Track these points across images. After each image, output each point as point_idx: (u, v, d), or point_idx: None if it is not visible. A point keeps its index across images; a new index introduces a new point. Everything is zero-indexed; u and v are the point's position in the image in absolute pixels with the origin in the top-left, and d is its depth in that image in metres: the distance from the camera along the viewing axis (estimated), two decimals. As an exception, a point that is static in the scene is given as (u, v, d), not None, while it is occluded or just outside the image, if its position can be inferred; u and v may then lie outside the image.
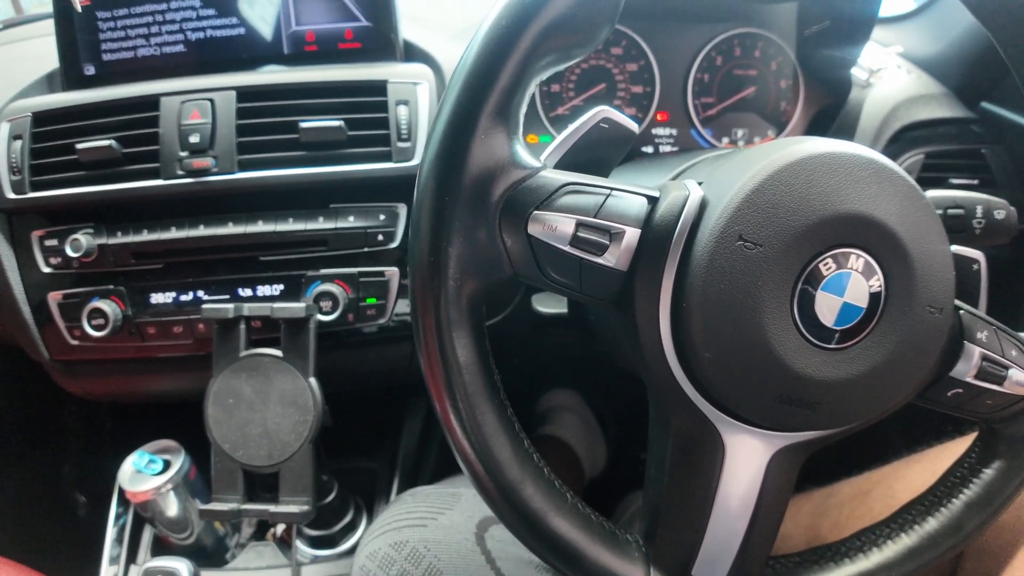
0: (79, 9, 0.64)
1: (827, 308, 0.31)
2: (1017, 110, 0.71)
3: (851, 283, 0.31)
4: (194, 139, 0.60)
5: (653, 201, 0.33)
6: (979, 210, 0.39)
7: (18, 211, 0.62)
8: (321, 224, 0.62)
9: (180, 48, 0.66)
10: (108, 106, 0.62)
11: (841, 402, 0.32)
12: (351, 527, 0.76)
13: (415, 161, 0.62)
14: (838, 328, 0.31)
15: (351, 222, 0.63)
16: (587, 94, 0.74)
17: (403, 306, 0.65)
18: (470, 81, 0.31)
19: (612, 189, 0.32)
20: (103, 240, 0.62)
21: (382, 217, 0.63)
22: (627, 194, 0.33)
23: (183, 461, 0.69)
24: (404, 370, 0.72)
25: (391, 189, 0.63)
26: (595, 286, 0.33)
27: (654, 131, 0.75)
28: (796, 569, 0.39)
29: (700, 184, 0.33)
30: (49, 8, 0.66)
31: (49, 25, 0.67)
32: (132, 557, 0.74)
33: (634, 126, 0.36)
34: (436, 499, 0.57)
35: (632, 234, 0.32)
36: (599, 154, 0.36)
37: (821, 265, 0.30)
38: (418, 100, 0.62)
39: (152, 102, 0.61)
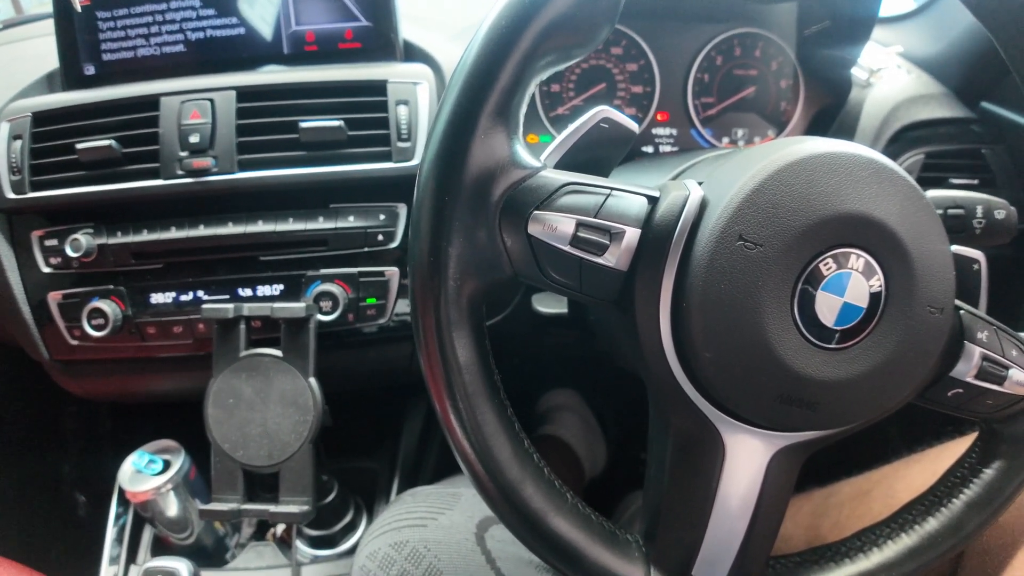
0: (79, 9, 0.64)
1: (827, 308, 0.31)
2: (1017, 110, 0.71)
3: (851, 283, 0.31)
4: (194, 139, 0.60)
5: (653, 201, 0.33)
6: (979, 210, 0.39)
7: (18, 211, 0.62)
8: (321, 224, 0.62)
9: (180, 48, 0.66)
10: (108, 106, 0.62)
11: (841, 402, 0.32)
12: (351, 527, 0.76)
13: (415, 161, 0.62)
14: (838, 328, 0.31)
15: (351, 222, 0.63)
16: (587, 94, 0.74)
17: (403, 306, 0.65)
18: (470, 81, 0.31)
19: (612, 189, 0.32)
20: (103, 240, 0.62)
21: (382, 217, 0.63)
22: (627, 194, 0.33)
23: (183, 461, 0.69)
24: (404, 370, 0.72)
25: (391, 189, 0.63)
26: (595, 286, 0.33)
27: (654, 131, 0.75)
28: (796, 569, 0.39)
29: (700, 184, 0.33)
30: (49, 8, 0.66)
31: (49, 25, 0.67)
32: (132, 557, 0.74)
33: (634, 126, 0.36)
34: (436, 499, 0.57)
35: (632, 234, 0.32)
36: (599, 154, 0.36)
37: (821, 265, 0.30)
38: (418, 100, 0.62)
39: (152, 102, 0.61)
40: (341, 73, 0.63)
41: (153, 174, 0.60)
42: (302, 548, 0.74)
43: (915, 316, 0.32)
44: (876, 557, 0.39)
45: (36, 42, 0.76)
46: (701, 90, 0.75)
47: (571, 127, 0.35)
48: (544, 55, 0.32)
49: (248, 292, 0.64)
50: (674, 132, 0.75)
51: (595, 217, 0.32)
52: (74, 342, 0.64)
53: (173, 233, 0.62)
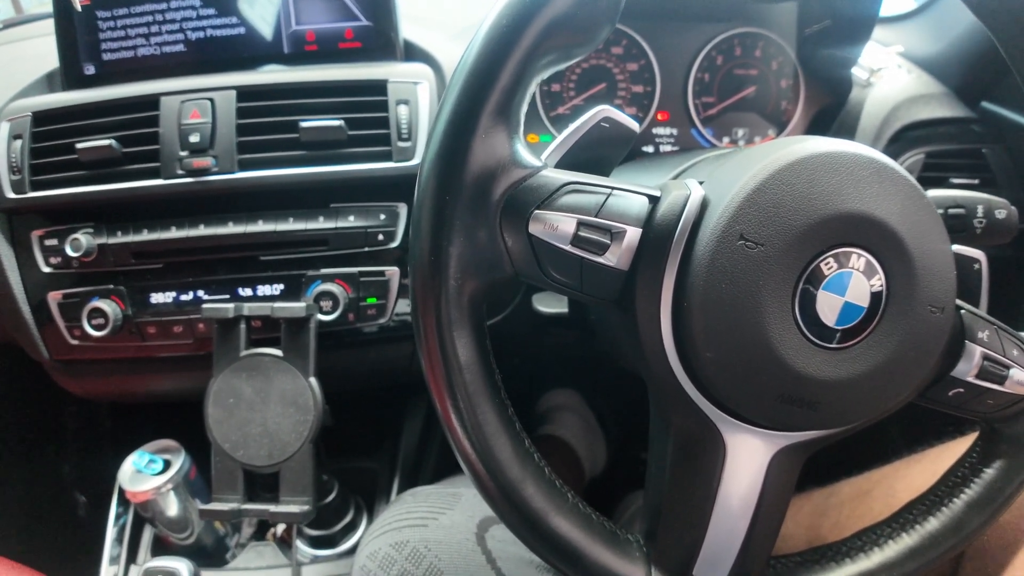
0: (79, 9, 0.64)
1: (828, 307, 0.31)
2: (1017, 110, 0.71)
3: (852, 282, 0.31)
4: (194, 139, 0.60)
5: (654, 200, 0.33)
6: (980, 210, 0.39)
7: (18, 211, 0.62)
8: (321, 224, 0.62)
9: (180, 48, 0.66)
10: (108, 106, 0.62)
11: (842, 402, 0.32)
12: (351, 527, 0.76)
13: (415, 160, 0.62)
14: (839, 328, 0.31)
15: (351, 222, 0.63)
16: (587, 93, 0.74)
17: (403, 306, 0.65)
18: (471, 80, 0.31)
19: (613, 188, 0.32)
20: (103, 240, 0.62)
21: (382, 217, 0.63)
22: (628, 193, 0.33)
23: (183, 461, 0.69)
24: (404, 370, 0.72)
25: (391, 189, 0.63)
26: (596, 285, 0.33)
27: (655, 131, 0.75)
28: (797, 569, 0.39)
29: (701, 183, 0.33)
30: (49, 8, 0.66)
31: (49, 25, 0.67)
32: (132, 557, 0.74)
33: (635, 125, 0.36)
34: (437, 499, 0.57)
35: (633, 233, 0.32)
36: (600, 153, 0.36)
37: (822, 264, 0.30)
38: (418, 99, 0.62)
39: (152, 102, 0.61)
40: (341, 73, 0.63)
41: (153, 174, 0.60)
42: (302, 548, 0.74)
43: (916, 316, 0.32)
44: (877, 557, 0.39)
45: (36, 42, 0.76)
46: (701, 90, 0.75)
47: (572, 126, 0.35)
48: (545, 54, 0.32)
49: (248, 292, 0.64)
50: (674, 132, 0.75)
51: (596, 216, 0.32)
52: (74, 342, 0.64)
53: (173, 233, 0.62)
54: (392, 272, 0.64)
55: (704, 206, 0.31)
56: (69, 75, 0.66)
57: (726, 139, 0.76)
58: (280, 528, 0.74)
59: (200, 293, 0.63)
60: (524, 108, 0.33)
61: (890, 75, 0.75)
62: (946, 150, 0.71)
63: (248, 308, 0.59)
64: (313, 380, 0.58)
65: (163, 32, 0.65)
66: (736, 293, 0.30)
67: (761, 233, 0.30)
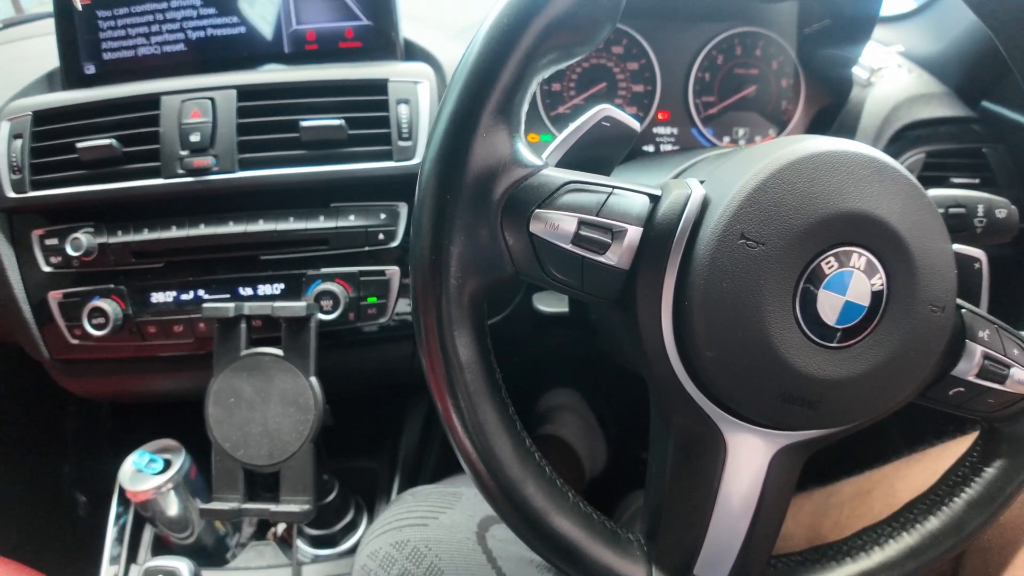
0: (79, 8, 0.64)
1: (829, 307, 0.31)
2: (1018, 109, 0.71)
3: (853, 282, 0.31)
4: (195, 138, 0.60)
5: (655, 199, 0.33)
6: (980, 209, 0.39)
7: (18, 210, 0.62)
8: (322, 223, 0.62)
9: (180, 47, 0.66)
10: (108, 105, 0.61)
11: (843, 401, 0.32)
12: (352, 526, 0.76)
13: (416, 160, 0.62)
14: (840, 327, 0.31)
15: (352, 221, 0.63)
16: (588, 93, 0.74)
17: (404, 305, 0.65)
18: (471, 79, 0.31)
19: (614, 187, 0.32)
20: (103, 239, 0.62)
21: (383, 216, 0.63)
22: (629, 192, 0.33)
23: (183, 460, 0.69)
24: (405, 369, 0.72)
25: (392, 188, 0.63)
26: (597, 285, 0.33)
27: (655, 130, 0.75)
28: (798, 568, 0.39)
29: (702, 183, 0.33)
30: (49, 7, 0.66)
31: (49, 24, 0.67)
32: (132, 557, 0.74)
33: (636, 124, 0.36)
34: (437, 498, 0.57)
35: (634, 232, 0.32)
36: (601, 152, 0.36)
37: (823, 264, 0.30)
38: (419, 99, 0.62)
39: (152, 101, 0.61)
40: (342, 72, 0.63)
41: (154, 173, 0.60)
42: (303, 547, 0.74)
43: (917, 315, 0.32)
44: (877, 556, 0.39)
45: (36, 41, 0.76)
46: (702, 89, 0.75)
47: (573, 125, 0.35)
48: (545, 54, 0.32)
49: (249, 291, 0.64)
50: (675, 131, 0.75)
51: (597, 216, 0.32)
52: (74, 341, 0.64)
53: (174, 232, 0.62)
54: (393, 271, 0.64)
55: (705, 205, 0.31)
56: (69, 74, 0.66)
57: (726, 138, 0.76)
58: (280, 528, 0.74)
59: (200, 292, 0.63)
60: (525, 107, 0.33)
61: (890, 74, 0.75)
62: (946, 149, 0.71)
63: (248, 307, 0.59)
64: (313, 379, 0.58)
65: (163, 31, 0.65)
66: (737, 292, 0.30)
67: (762, 232, 0.30)
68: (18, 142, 0.61)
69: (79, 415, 1.01)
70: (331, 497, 0.71)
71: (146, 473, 0.67)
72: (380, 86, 0.62)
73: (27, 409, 0.98)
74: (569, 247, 0.32)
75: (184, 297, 0.63)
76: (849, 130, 0.73)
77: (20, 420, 0.98)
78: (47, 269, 0.63)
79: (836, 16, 0.71)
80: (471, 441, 0.33)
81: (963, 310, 0.36)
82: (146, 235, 0.62)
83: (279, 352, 0.59)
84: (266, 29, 0.66)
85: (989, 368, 0.35)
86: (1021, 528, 0.48)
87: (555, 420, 1.11)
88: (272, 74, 0.64)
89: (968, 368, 0.35)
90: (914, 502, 0.41)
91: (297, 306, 0.58)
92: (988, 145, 0.72)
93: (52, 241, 0.62)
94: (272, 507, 0.58)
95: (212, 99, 0.61)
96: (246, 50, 0.66)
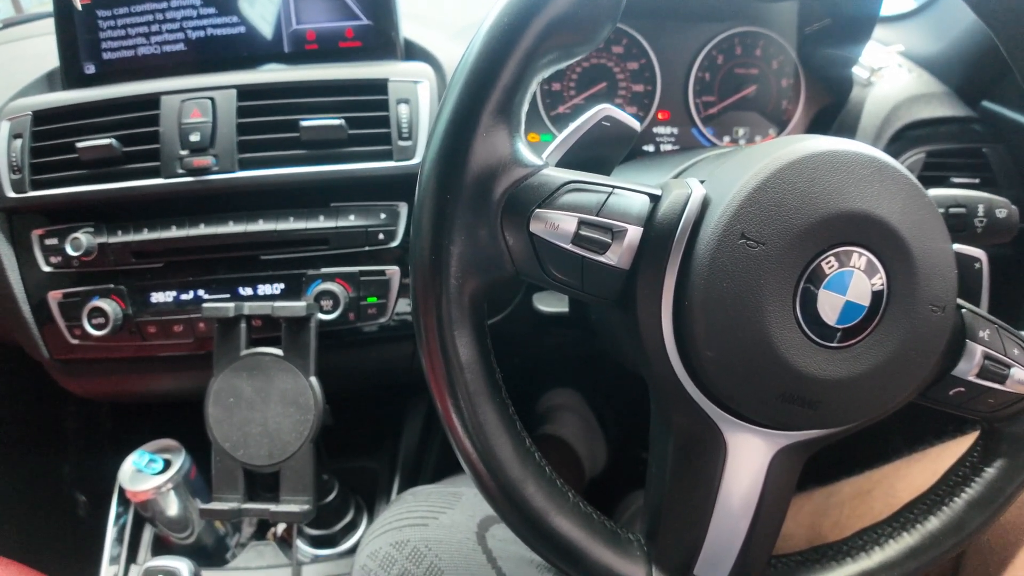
0: (79, 8, 0.64)
1: (829, 306, 0.31)
2: (1018, 109, 0.71)
3: (853, 281, 0.31)
4: (194, 138, 0.60)
5: (655, 199, 0.33)
6: (981, 209, 0.39)
7: (18, 210, 0.62)
8: (322, 223, 0.62)
9: (180, 47, 0.66)
10: (108, 105, 0.61)
11: (843, 401, 0.32)
12: (352, 526, 0.76)
13: (416, 160, 0.62)
14: (840, 327, 0.31)
15: (352, 221, 0.63)
16: (588, 93, 0.74)
17: (404, 305, 0.65)
18: (472, 79, 0.31)
19: (614, 187, 0.32)
20: (103, 239, 0.62)
21: (383, 216, 0.63)
22: (629, 192, 0.33)
23: (183, 460, 0.69)
24: (405, 369, 0.72)
25: (392, 188, 0.63)
26: (597, 284, 0.33)
27: (655, 130, 0.75)
28: (798, 568, 0.39)
29: (702, 182, 0.33)
30: (49, 7, 0.66)
31: (49, 24, 0.67)
32: (132, 557, 0.74)
33: (636, 124, 0.36)
34: (437, 498, 0.57)
35: (634, 232, 0.32)
36: (601, 152, 0.36)
37: (823, 263, 0.30)
38: (419, 99, 0.62)
39: (152, 101, 0.61)
40: (342, 72, 0.63)
41: (153, 173, 0.60)
42: (303, 547, 0.74)
43: (917, 315, 0.32)
44: (877, 556, 0.39)
45: (36, 41, 0.76)
46: (702, 89, 0.75)
47: (573, 125, 0.35)
48: (546, 53, 0.32)
49: (249, 291, 0.64)
50: (675, 131, 0.75)
51: (597, 215, 0.32)
52: (74, 341, 0.64)
53: (173, 232, 0.62)
54: (393, 271, 0.64)
55: (705, 205, 0.31)
56: (69, 74, 0.66)
57: (727, 138, 0.76)
58: (280, 528, 0.74)
59: (200, 292, 0.63)
60: (525, 107, 0.33)
61: (891, 74, 0.75)
62: (947, 149, 0.71)
63: (248, 307, 0.59)
64: (313, 379, 0.58)
65: (163, 31, 0.65)
66: (737, 292, 0.30)
67: (762, 232, 0.30)
68: (18, 142, 0.61)
69: (79, 415, 1.01)
70: (331, 497, 0.71)
71: (146, 473, 0.67)
72: (380, 86, 0.62)
73: (27, 409, 0.98)
74: (569, 247, 0.32)
75: (184, 297, 0.63)
76: (849, 130, 0.73)
77: (20, 420, 0.98)
78: (47, 269, 0.63)
79: (836, 16, 0.71)
80: (471, 441, 0.33)
81: (963, 310, 0.36)
82: (146, 235, 0.62)
83: (279, 352, 0.59)
84: (266, 29, 0.66)
85: (989, 368, 0.35)
86: (1021, 529, 0.48)
87: (555, 420, 1.11)
88: (272, 74, 0.64)
89: (968, 368, 0.35)
90: (914, 502, 0.41)
91: (297, 306, 0.58)
92: (988, 145, 0.72)
93: (52, 241, 0.62)
94: (272, 507, 0.58)
95: (212, 99, 0.61)
96: (246, 50, 0.66)
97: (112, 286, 0.63)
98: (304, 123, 0.60)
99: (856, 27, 0.70)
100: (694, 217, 0.31)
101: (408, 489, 0.61)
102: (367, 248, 0.63)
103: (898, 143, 0.71)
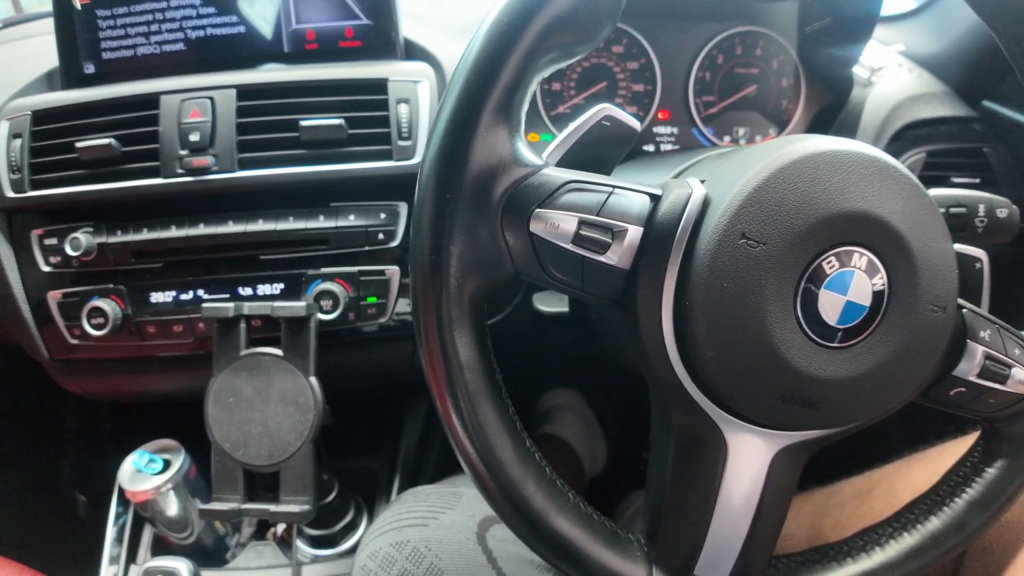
0: (79, 8, 0.64)
1: (830, 306, 0.31)
2: (1018, 109, 0.71)
3: (854, 281, 0.31)
4: (194, 137, 0.60)
5: (655, 199, 0.33)
6: (981, 208, 0.39)
7: (18, 210, 0.62)
8: (321, 223, 0.62)
9: (180, 46, 0.66)
10: (108, 104, 0.61)
11: (844, 401, 0.32)
12: (352, 527, 0.75)
13: (416, 159, 0.62)
14: (841, 327, 0.31)
15: (352, 221, 0.63)
16: (588, 92, 0.74)
17: (404, 305, 0.65)
18: (472, 78, 0.31)
19: (614, 187, 0.32)
20: (103, 239, 0.62)
21: (383, 216, 0.63)
22: (629, 192, 0.32)
23: (183, 460, 0.69)
24: (405, 369, 0.72)
25: (392, 188, 0.63)
26: (597, 284, 0.33)
27: (655, 129, 0.75)
28: (799, 568, 0.39)
29: (703, 182, 0.33)
30: (49, 7, 0.66)
31: (49, 24, 0.67)
32: (132, 557, 0.74)
33: (636, 124, 0.35)
34: (437, 498, 0.57)
35: (634, 232, 0.32)
36: (601, 152, 0.36)
37: (824, 263, 0.30)
38: (419, 98, 0.62)
39: (152, 100, 0.61)
40: (341, 71, 0.63)
41: (153, 173, 0.60)
42: (302, 548, 0.74)
43: (918, 315, 0.31)
44: (878, 556, 0.39)
45: (36, 41, 0.76)
46: (702, 88, 0.75)
47: (573, 125, 0.35)
48: (546, 52, 0.32)
49: (248, 291, 0.63)
50: (675, 131, 0.75)
51: (597, 215, 0.32)
52: (74, 341, 0.64)
53: (173, 232, 0.62)
54: (392, 271, 0.64)
55: (706, 205, 0.31)
56: (69, 74, 0.66)
57: (727, 138, 0.76)
58: (280, 528, 0.74)
59: (200, 292, 0.63)
60: (525, 106, 0.33)
61: (891, 74, 0.75)
62: (947, 149, 0.71)
63: (248, 307, 0.59)
64: (313, 379, 0.58)
65: (163, 31, 0.65)
66: (738, 292, 0.30)
67: (763, 232, 0.30)
68: (17, 142, 0.61)
69: (79, 415, 1.01)
70: (331, 497, 0.71)
71: (146, 473, 0.67)
72: (380, 85, 0.62)
73: (27, 409, 0.98)
74: (569, 247, 0.32)
75: (184, 297, 0.63)
76: (850, 129, 0.73)
77: (20, 420, 0.97)
78: (46, 269, 0.63)
79: (837, 15, 0.71)
80: (471, 441, 0.33)
81: (964, 310, 0.35)
82: (145, 235, 0.62)
83: (279, 352, 0.59)
84: (266, 28, 0.66)
85: (990, 368, 0.35)
86: (1022, 528, 0.48)
87: (555, 420, 1.11)
88: (272, 73, 0.64)
89: (969, 368, 0.35)
90: (915, 502, 0.41)
91: (297, 306, 0.58)
92: (989, 145, 0.72)
93: (51, 241, 0.62)
94: (272, 507, 0.58)
95: (212, 98, 0.61)
96: (246, 49, 0.66)
97: (112, 286, 0.63)
98: (304, 123, 0.60)
99: (856, 27, 0.70)
100: (695, 217, 0.31)
101: (408, 489, 0.61)
102: (367, 248, 0.63)
103: (898, 143, 0.71)
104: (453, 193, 0.31)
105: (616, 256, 0.32)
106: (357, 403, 0.78)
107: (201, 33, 0.65)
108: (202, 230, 0.62)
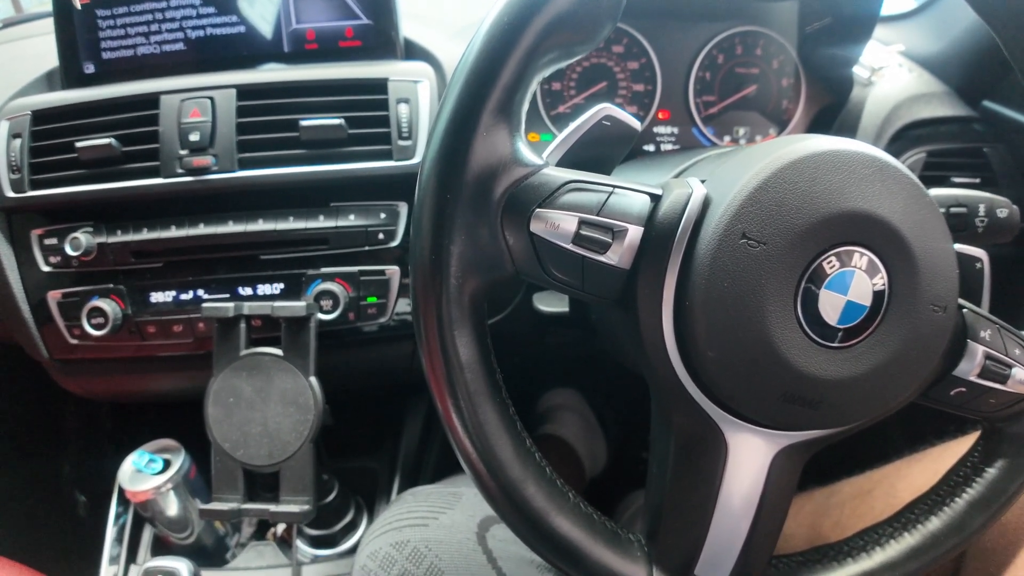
0: (79, 7, 0.64)
1: (831, 306, 0.31)
2: (1018, 108, 0.71)
3: (855, 281, 0.31)
4: (194, 137, 0.60)
5: (656, 199, 0.33)
6: (982, 208, 0.39)
7: (18, 210, 0.62)
8: (321, 223, 0.62)
9: (180, 46, 0.66)
10: (108, 104, 0.61)
11: (844, 401, 0.32)
12: (352, 527, 0.75)
13: (416, 159, 0.62)
14: (841, 326, 0.31)
15: (352, 220, 0.63)
16: (588, 92, 0.74)
17: (404, 305, 0.65)
18: (472, 78, 0.31)
19: (615, 187, 0.32)
20: (103, 239, 0.62)
21: (383, 216, 0.63)
22: (630, 192, 0.32)
23: (183, 460, 0.69)
24: (405, 369, 0.72)
25: (392, 187, 0.63)
26: (597, 284, 0.33)
27: (655, 129, 0.75)
28: (799, 568, 0.39)
29: (703, 182, 0.33)
30: (49, 7, 0.66)
31: (49, 24, 0.67)
32: (132, 557, 0.74)
33: (636, 123, 0.35)
34: (437, 498, 0.57)
35: (635, 232, 0.32)
36: (601, 152, 0.36)
37: (825, 263, 0.30)
38: (419, 98, 0.62)
39: (152, 100, 0.61)
40: (342, 71, 0.63)
41: (153, 172, 0.60)
42: (303, 548, 0.74)
43: (918, 314, 0.31)
44: (878, 556, 0.39)
45: (36, 41, 0.76)
46: (702, 88, 0.75)
47: (573, 124, 0.35)
48: (546, 52, 0.32)
49: (248, 291, 0.63)
50: (675, 130, 0.75)
51: (597, 215, 0.32)
52: (74, 341, 0.64)
53: (173, 232, 0.62)
54: (392, 271, 0.64)
55: (706, 205, 0.31)
56: (69, 74, 0.66)
57: (727, 138, 0.76)
58: (280, 528, 0.74)
59: (200, 292, 0.63)
60: (525, 106, 0.33)
61: (891, 74, 0.75)
62: (947, 149, 0.71)
63: (248, 307, 0.58)
64: (313, 379, 0.58)
65: (163, 31, 0.65)
66: (738, 292, 0.30)
67: (763, 232, 0.30)
68: (17, 141, 0.61)
69: (79, 415, 1.01)
70: (331, 497, 0.71)
71: (146, 473, 0.67)
72: (380, 85, 0.62)
73: (27, 409, 0.98)
74: (570, 247, 0.32)
75: (184, 297, 0.63)
76: (850, 129, 0.73)
77: (20, 420, 0.97)
78: (46, 269, 0.63)
79: (837, 15, 0.71)
80: (471, 441, 0.33)
81: (964, 310, 0.35)
82: (145, 235, 0.62)
83: (279, 352, 0.59)
84: (266, 28, 0.66)
85: (991, 368, 0.35)
86: (1022, 529, 0.48)
87: (555, 420, 1.11)
88: (272, 73, 0.64)
89: (970, 368, 0.35)
90: (915, 502, 0.41)
91: (297, 306, 0.58)
92: (989, 144, 0.72)
93: (51, 241, 0.62)
94: (272, 507, 0.58)
95: (211, 98, 0.61)
96: (246, 49, 0.66)
97: (111, 286, 0.63)
98: (304, 123, 0.60)
99: (857, 26, 0.70)
100: (695, 217, 0.31)
101: (408, 489, 0.61)
102: (367, 248, 0.63)
103: (899, 143, 0.71)
104: (453, 193, 0.31)
105: (616, 256, 0.32)
106: (357, 403, 0.78)
107: (201, 33, 0.65)
108: (202, 230, 0.62)
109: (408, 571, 0.49)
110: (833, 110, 0.75)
